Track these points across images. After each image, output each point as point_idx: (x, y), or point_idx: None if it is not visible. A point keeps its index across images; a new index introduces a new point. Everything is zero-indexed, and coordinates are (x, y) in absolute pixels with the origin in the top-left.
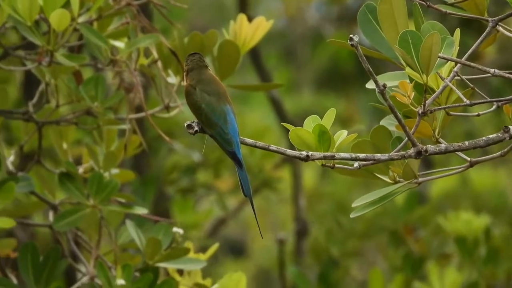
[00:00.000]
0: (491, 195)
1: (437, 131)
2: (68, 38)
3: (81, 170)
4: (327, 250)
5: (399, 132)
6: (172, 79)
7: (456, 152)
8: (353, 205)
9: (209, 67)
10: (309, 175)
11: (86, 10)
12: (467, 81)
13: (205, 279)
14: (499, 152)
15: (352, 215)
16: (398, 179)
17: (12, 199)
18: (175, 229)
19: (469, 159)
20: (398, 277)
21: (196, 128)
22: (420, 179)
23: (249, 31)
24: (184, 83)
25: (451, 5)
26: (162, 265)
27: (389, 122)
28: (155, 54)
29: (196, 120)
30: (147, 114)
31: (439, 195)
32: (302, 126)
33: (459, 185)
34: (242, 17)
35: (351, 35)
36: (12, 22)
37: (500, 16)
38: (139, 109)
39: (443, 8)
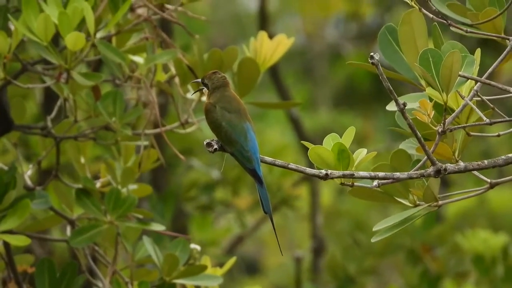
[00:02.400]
0: (508, 215)
1: (457, 152)
2: (86, 54)
3: (98, 184)
4: (343, 267)
5: (418, 155)
6: (191, 95)
7: (475, 172)
8: (374, 229)
9: (230, 85)
10: (327, 193)
11: (105, 25)
12: (487, 101)
13: None
14: None
15: (373, 240)
16: (418, 202)
17: (27, 216)
18: (192, 245)
19: (489, 180)
20: None
21: (215, 146)
22: (440, 202)
23: (269, 48)
24: (205, 99)
25: (471, 25)
26: (179, 281)
27: (409, 146)
28: (173, 70)
29: (215, 138)
30: (162, 130)
31: (456, 214)
32: (320, 144)
33: (476, 204)
34: (263, 34)
35: (371, 53)
36: (29, 41)
37: None
38: (157, 125)
39: (463, 27)
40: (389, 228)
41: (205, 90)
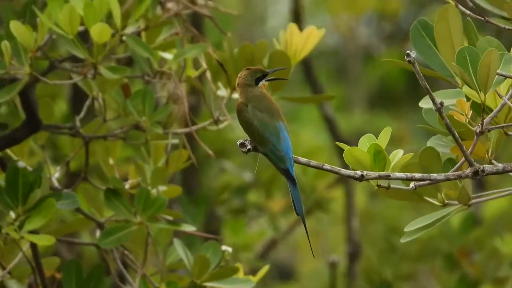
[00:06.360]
0: None
1: (490, 151)
2: (114, 50)
3: (127, 186)
4: (379, 272)
5: (447, 152)
6: (222, 92)
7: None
8: (405, 230)
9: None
10: (359, 196)
11: (135, 21)
12: None
13: None
14: None
15: (402, 240)
16: (446, 201)
17: (52, 216)
18: (224, 247)
19: None
20: None
21: (249, 147)
22: (471, 201)
23: (300, 40)
24: (237, 96)
25: (509, 20)
26: (210, 284)
27: (436, 143)
28: (204, 66)
29: (249, 138)
30: (192, 129)
31: (493, 216)
32: (355, 145)
33: None
34: (293, 27)
35: (408, 51)
36: (57, 38)
37: None
38: (189, 123)
39: (501, 24)
40: (420, 229)
41: (237, 88)
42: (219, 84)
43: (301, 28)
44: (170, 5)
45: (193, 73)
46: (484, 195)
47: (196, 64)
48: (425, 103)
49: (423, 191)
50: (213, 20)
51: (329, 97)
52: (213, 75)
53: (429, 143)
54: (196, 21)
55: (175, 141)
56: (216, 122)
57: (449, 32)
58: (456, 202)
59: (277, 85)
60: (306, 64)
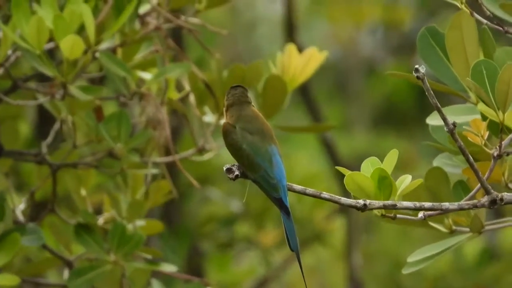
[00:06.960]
0: None
1: (506, 174)
2: (86, 68)
3: (101, 220)
4: None
5: (454, 173)
6: (209, 118)
7: None
8: (408, 260)
9: (252, 103)
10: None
11: (111, 36)
12: None
13: None
14: None
15: (404, 271)
16: (454, 227)
17: (16, 252)
18: None
19: None
20: None
21: (236, 173)
22: (484, 228)
23: (299, 64)
24: (224, 120)
25: None
26: None
27: (444, 162)
28: (187, 87)
29: (236, 164)
30: (175, 158)
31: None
32: (357, 170)
33: None
34: (291, 48)
35: (416, 66)
36: (20, 50)
37: None
38: (169, 149)
39: None
40: (426, 259)
41: (228, 108)
42: (205, 108)
43: (295, 41)
44: (150, 18)
45: (175, 95)
46: (499, 222)
47: (179, 85)
48: (433, 120)
49: (428, 217)
50: (197, 37)
51: (330, 126)
52: (198, 99)
53: (435, 163)
54: (177, 37)
55: (155, 171)
56: (201, 151)
57: (462, 41)
58: (467, 229)
59: (270, 111)
60: (303, 86)
